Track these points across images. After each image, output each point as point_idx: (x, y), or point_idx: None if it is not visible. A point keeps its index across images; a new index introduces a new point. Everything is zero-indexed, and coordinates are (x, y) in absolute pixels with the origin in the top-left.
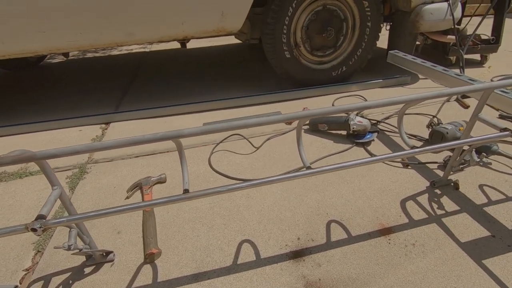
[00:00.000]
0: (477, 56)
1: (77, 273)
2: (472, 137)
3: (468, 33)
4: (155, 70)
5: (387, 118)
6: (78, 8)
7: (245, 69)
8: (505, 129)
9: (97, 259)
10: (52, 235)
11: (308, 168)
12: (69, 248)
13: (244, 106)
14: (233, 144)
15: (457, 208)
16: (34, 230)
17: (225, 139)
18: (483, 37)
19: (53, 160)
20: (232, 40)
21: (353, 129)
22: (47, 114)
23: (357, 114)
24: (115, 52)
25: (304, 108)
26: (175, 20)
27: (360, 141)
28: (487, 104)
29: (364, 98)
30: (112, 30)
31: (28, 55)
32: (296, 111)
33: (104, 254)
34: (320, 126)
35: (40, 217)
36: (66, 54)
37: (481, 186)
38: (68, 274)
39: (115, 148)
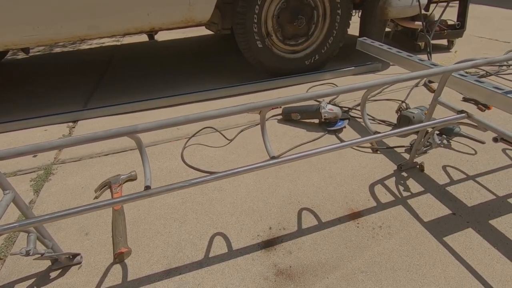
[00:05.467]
0: (444, 41)
1: (42, 278)
2: (434, 119)
3: (435, 19)
4: (127, 64)
5: (358, 105)
6: None
7: (219, 61)
8: (461, 111)
9: (63, 263)
10: (15, 241)
11: (273, 158)
12: (27, 254)
13: (219, 98)
14: (206, 138)
15: (422, 189)
16: None
17: (197, 132)
18: (449, 22)
19: (16, 163)
20: (205, 31)
21: (324, 117)
22: (10, 114)
23: (328, 103)
24: (85, 46)
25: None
26: (140, 10)
27: (332, 128)
28: (449, 87)
29: (337, 85)
30: (73, 23)
31: None
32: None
33: (71, 257)
34: (293, 115)
35: None
36: (26, 50)
37: (444, 167)
38: (33, 280)
39: (64, 147)
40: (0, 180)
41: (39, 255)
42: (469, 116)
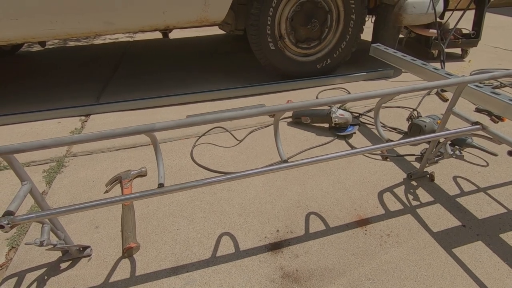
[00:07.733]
0: (458, 50)
1: (53, 268)
2: (447, 130)
3: (450, 27)
4: (139, 60)
5: (369, 111)
6: None
7: (231, 61)
8: (476, 123)
9: (74, 254)
10: (27, 231)
11: (285, 161)
12: (41, 244)
13: (229, 98)
14: (216, 137)
15: (432, 199)
16: (1, 227)
17: (207, 132)
18: (464, 31)
19: (29, 154)
20: (218, 31)
21: (335, 122)
22: (24, 106)
23: (339, 107)
24: (98, 41)
25: (288, 101)
26: (156, 8)
27: (342, 133)
28: (463, 98)
29: (348, 91)
30: (89, 19)
31: (0, 43)
32: (280, 103)
33: (81, 249)
34: (303, 119)
35: (8, 213)
36: (42, 43)
37: (455, 178)
38: (44, 270)
39: (84, 143)
40: (18, 171)
41: (52, 246)
42: (484, 128)
